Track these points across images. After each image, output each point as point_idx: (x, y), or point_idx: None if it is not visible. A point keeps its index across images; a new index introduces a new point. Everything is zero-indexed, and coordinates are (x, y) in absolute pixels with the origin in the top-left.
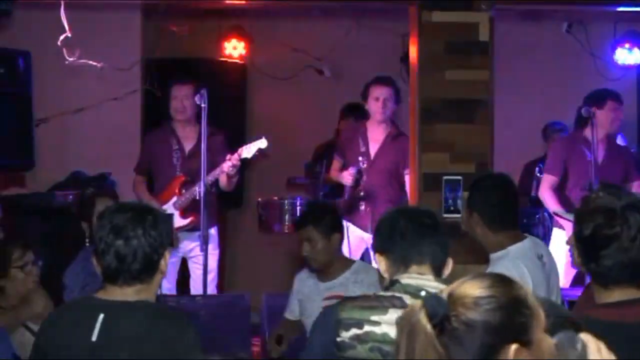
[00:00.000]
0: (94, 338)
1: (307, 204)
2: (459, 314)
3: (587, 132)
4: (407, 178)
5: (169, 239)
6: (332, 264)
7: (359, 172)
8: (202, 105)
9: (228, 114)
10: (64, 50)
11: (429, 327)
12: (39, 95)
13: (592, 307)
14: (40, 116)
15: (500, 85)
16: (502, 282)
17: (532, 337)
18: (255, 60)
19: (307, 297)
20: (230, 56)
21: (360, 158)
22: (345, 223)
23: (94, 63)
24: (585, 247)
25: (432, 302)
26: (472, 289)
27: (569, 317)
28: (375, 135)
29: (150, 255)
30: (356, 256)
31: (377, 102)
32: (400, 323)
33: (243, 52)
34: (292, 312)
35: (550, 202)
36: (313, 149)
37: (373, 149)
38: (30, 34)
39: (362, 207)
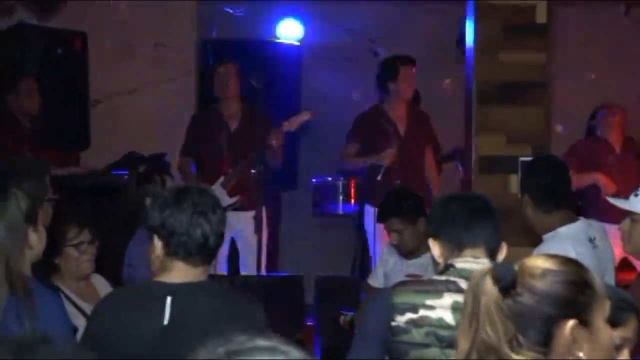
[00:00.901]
0: (165, 322)
1: (385, 193)
2: (525, 282)
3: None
4: (430, 155)
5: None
6: (421, 246)
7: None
8: (257, 86)
9: (284, 96)
10: (120, 32)
11: (494, 289)
12: (95, 76)
13: None
14: (95, 97)
15: (557, 68)
16: (573, 262)
17: (592, 320)
18: (310, 42)
19: (392, 270)
20: (285, 37)
21: (390, 139)
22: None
23: (149, 44)
24: None
25: (500, 268)
26: (543, 262)
27: (630, 302)
28: (399, 114)
29: (222, 235)
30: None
31: (407, 81)
32: (468, 285)
33: (298, 33)
34: (376, 279)
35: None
36: None
37: (402, 128)
38: (87, 15)
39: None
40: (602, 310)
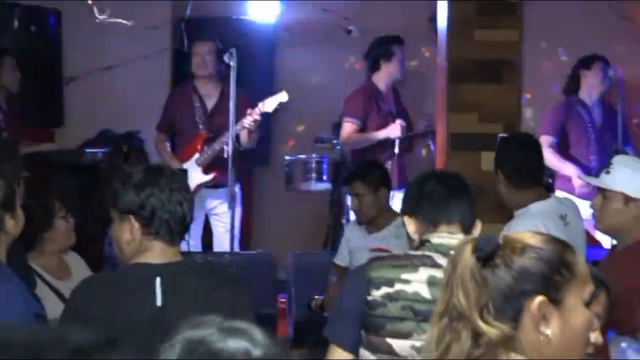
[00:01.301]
0: (158, 303)
1: (356, 161)
2: (505, 255)
3: (582, 94)
4: None
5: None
6: (379, 218)
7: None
8: (232, 64)
9: (257, 73)
10: (95, 9)
11: (472, 257)
12: (70, 53)
13: None
14: (70, 74)
15: (530, 46)
16: (558, 242)
17: (566, 300)
18: (284, 20)
19: (356, 247)
20: (259, 16)
21: (389, 117)
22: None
23: (124, 21)
24: None
25: (482, 239)
26: (528, 238)
27: (601, 278)
28: (388, 93)
29: (183, 216)
30: None
31: (401, 63)
32: (450, 259)
33: (272, 12)
34: (342, 259)
35: (551, 159)
36: (340, 108)
37: (393, 107)
38: None
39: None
40: (580, 292)
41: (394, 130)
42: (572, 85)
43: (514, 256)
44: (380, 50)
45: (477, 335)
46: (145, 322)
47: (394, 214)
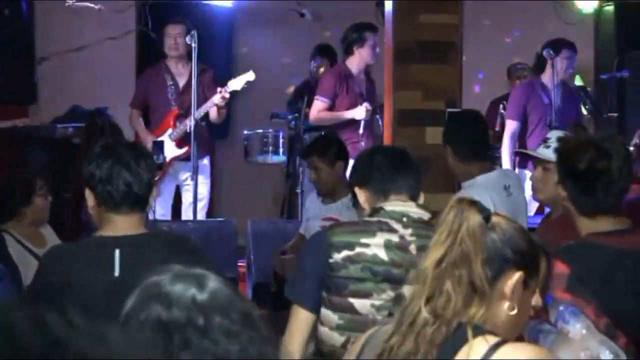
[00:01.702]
0: (116, 273)
1: (314, 136)
2: (499, 222)
3: (544, 77)
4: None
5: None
6: (336, 190)
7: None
8: (193, 45)
9: (216, 54)
10: None
11: (478, 215)
12: (41, 35)
13: (593, 234)
14: (42, 55)
15: (469, 28)
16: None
17: (531, 284)
18: (241, 4)
19: (312, 216)
20: (219, 1)
21: (359, 99)
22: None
23: (93, 5)
24: (578, 180)
25: (480, 203)
26: (508, 220)
27: (540, 244)
28: (361, 76)
29: (150, 183)
30: None
31: (373, 48)
32: (446, 215)
33: None
34: (304, 227)
35: (506, 151)
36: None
37: (364, 90)
38: None
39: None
40: (540, 281)
41: (360, 112)
42: (539, 67)
43: (506, 226)
44: (354, 36)
45: (472, 284)
46: (104, 292)
47: (345, 189)
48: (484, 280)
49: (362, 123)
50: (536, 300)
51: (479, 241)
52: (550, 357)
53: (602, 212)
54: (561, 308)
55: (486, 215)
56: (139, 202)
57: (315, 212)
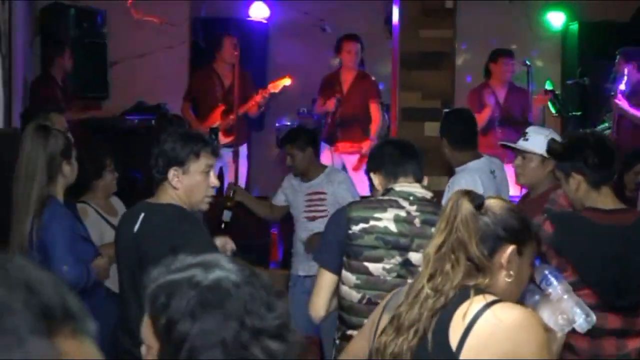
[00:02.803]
0: (135, 230)
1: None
2: (490, 207)
3: (492, 81)
4: (372, 107)
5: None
6: (309, 170)
7: (339, 100)
8: (235, 53)
9: (254, 61)
10: (132, 10)
11: (470, 204)
12: (113, 43)
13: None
14: (113, 59)
15: (462, 40)
16: (525, 214)
17: (525, 253)
18: (274, 20)
19: (293, 192)
20: (255, 16)
21: (337, 95)
22: (329, 148)
23: (154, 20)
24: (592, 156)
25: (473, 192)
26: (505, 202)
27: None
28: (347, 78)
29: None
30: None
31: (349, 54)
32: (447, 201)
33: (266, 13)
34: (277, 201)
35: None
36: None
37: (345, 88)
38: None
39: (340, 134)
40: (533, 250)
41: (329, 104)
42: (486, 73)
43: (496, 209)
44: (335, 46)
45: (471, 261)
46: (127, 242)
47: (323, 166)
48: (481, 257)
49: (329, 114)
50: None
51: (471, 227)
52: (534, 319)
53: (605, 184)
54: (546, 272)
55: (478, 203)
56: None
57: (296, 189)
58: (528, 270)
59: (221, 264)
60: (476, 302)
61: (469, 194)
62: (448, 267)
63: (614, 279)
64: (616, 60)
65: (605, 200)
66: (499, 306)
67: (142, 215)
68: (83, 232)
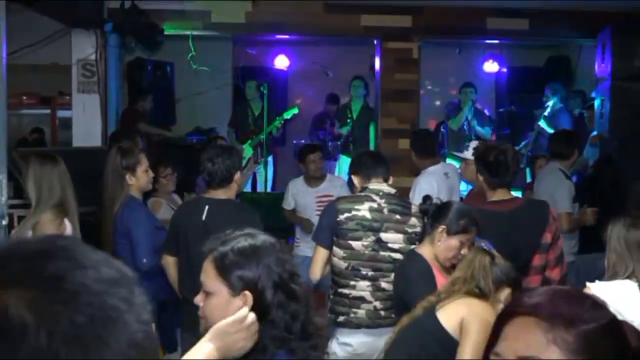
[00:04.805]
0: (203, 218)
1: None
2: (496, 258)
3: (462, 104)
4: None
5: (240, 164)
6: (322, 176)
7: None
8: (264, 92)
9: (278, 97)
10: (191, 62)
11: (489, 258)
12: (178, 86)
13: (485, 203)
14: (179, 97)
15: (425, 80)
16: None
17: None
18: (292, 68)
19: (302, 196)
20: (279, 65)
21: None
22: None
23: (206, 68)
24: (489, 167)
25: (490, 251)
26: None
27: (472, 215)
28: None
29: (226, 172)
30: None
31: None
32: (472, 256)
33: (286, 63)
34: (287, 205)
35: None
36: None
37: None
38: (173, 52)
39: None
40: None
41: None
42: (458, 98)
43: (502, 262)
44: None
45: (472, 289)
46: (198, 228)
47: (324, 174)
48: (489, 290)
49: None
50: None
51: (487, 271)
52: (492, 314)
53: (500, 187)
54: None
55: (492, 257)
56: (226, 181)
57: (303, 193)
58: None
59: (258, 235)
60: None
61: (486, 251)
62: (454, 289)
63: (507, 246)
64: (545, 93)
65: (498, 195)
66: (475, 299)
67: (207, 207)
68: (156, 223)
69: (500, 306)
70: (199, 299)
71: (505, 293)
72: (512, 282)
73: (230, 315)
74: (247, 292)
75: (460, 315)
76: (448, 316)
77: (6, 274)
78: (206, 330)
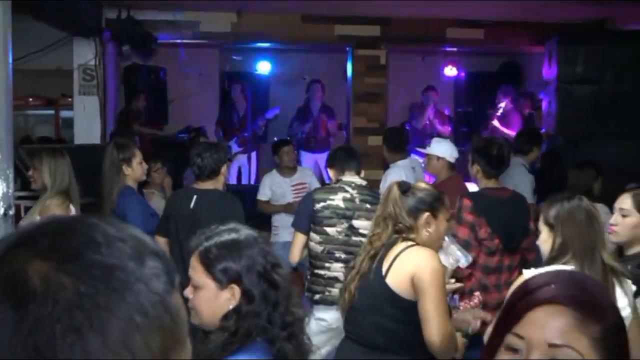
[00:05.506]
0: (191, 206)
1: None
2: (412, 190)
3: (425, 105)
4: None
5: (225, 158)
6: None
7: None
8: (248, 94)
9: (260, 99)
10: (181, 66)
11: (398, 190)
12: (170, 87)
13: (486, 189)
14: (170, 98)
15: (392, 83)
16: (439, 191)
17: (439, 216)
18: (274, 73)
19: (278, 186)
20: (262, 70)
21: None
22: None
23: (195, 72)
24: (491, 159)
25: (402, 182)
26: (424, 185)
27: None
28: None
29: (214, 166)
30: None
31: (317, 92)
32: (386, 191)
33: (268, 68)
34: (264, 195)
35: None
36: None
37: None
38: (166, 58)
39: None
40: (446, 214)
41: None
42: (421, 100)
43: (416, 191)
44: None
45: (396, 226)
46: (186, 215)
47: (296, 166)
48: (408, 222)
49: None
50: (446, 225)
51: (399, 204)
52: (434, 256)
53: (495, 177)
54: (446, 238)
55: (404, 189)
56: (213, 173)
57: (279, 184)
58: (443, 227)
59: (241, 229)
60: (401, 245)
61: (399, 183)
62: (379, 230)
63: (505, 229)
64: (498, 94)
65: (491, 183)
66: (415, 247)
67: (195, 197)
68: (150, 210)
69: (425, 232)
70: (188, 292)
71: (424, 217)
72: (429, 207)
73: (218, 307)
74: (234, 285)
75: (409, 275)
76: (396, 280)
77: (35, 248)
78: (197, 320)
